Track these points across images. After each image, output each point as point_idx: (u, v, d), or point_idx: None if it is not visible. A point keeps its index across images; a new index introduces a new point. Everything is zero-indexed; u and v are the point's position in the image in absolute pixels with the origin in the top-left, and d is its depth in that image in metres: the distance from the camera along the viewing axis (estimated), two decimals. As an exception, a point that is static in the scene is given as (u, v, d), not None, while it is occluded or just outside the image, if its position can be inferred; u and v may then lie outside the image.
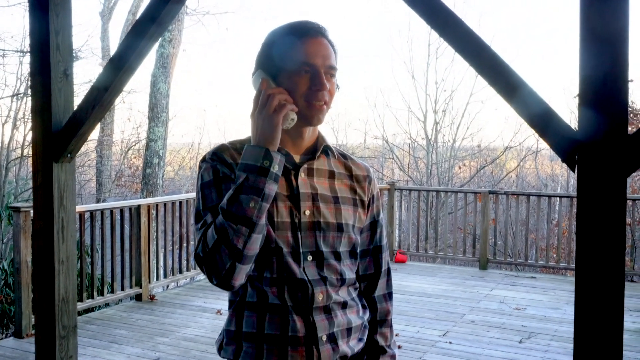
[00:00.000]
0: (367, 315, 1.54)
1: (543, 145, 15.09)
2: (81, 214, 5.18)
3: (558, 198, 8.03)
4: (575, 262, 1.57)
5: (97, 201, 13.34)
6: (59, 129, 2.56)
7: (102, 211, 5.46)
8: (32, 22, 2.57)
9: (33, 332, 4.56)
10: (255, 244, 1.30)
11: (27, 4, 2.62)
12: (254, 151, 1.31)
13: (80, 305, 5.07)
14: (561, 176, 18.29)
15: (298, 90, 1.37)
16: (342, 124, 27.77)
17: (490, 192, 7.83)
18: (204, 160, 1.44)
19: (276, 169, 1.31)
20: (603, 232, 1.52)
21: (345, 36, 27.69)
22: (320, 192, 1.45)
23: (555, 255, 7.69)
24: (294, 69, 1.37)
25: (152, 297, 5.85)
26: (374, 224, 1.57)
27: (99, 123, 13.30)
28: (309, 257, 1.41)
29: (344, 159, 1.55)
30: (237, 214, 1.27)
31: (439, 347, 4.67)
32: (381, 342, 1.59)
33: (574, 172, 1.58)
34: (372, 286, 1.58)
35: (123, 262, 5.64)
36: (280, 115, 1.32)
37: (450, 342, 4.76)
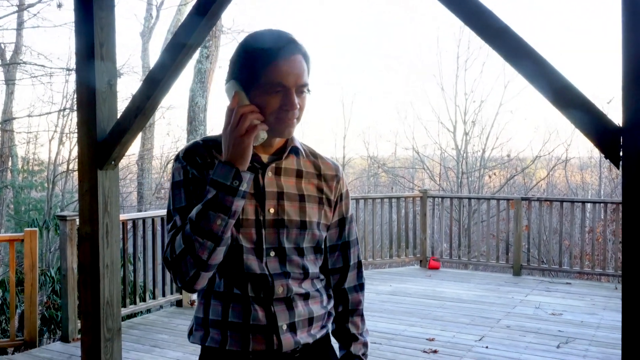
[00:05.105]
0: (331, 305, 1.59)
1: (572, 154, 14.90)
2: (124, 223, 5.30)
3: (591, 204, 7.94)
4: (622, 267, 1.49)
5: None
6: (104, 138, 2.60)
7: (143, 220, 5.61)
8: (78, 35, 2.63)
9: (79, 336, 4.67)
10: (219, 254, 1.37)
11: (73, 23, 2.69)
12: (224, 169, 1.33)
13: (124, 311, 5.17)
14: (591, 184, 17.99)
15: (269, 108, 1.38)
16: (373, 136, 27.77)
17: (523, 199, 7.77)
18: (176, 159, 1.47)
19: (244, 187, 1.34)
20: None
21: (377, 51, 27.79)
22: (286, 190, 1.49)
23: (589, 262, 7.57)
24: (267, 87, 1.38)
25: (192, 303, 5.95)
26: (342, 221, 1.62)
27: (140, 138, 13.54)
28: (272, 253, 1.45)
29: (314, 158, 1.58)
30: (204, 229, 1.32)
31: (475, 351, 4.65)
32: (353, 330, 1.65)
33: (618, 168, 1.50)
34: (342, 279, 1.64)
35: (164, 269, 5.74)
36: (251, 137, 1.34)
37: (487, 347, 4.74)
